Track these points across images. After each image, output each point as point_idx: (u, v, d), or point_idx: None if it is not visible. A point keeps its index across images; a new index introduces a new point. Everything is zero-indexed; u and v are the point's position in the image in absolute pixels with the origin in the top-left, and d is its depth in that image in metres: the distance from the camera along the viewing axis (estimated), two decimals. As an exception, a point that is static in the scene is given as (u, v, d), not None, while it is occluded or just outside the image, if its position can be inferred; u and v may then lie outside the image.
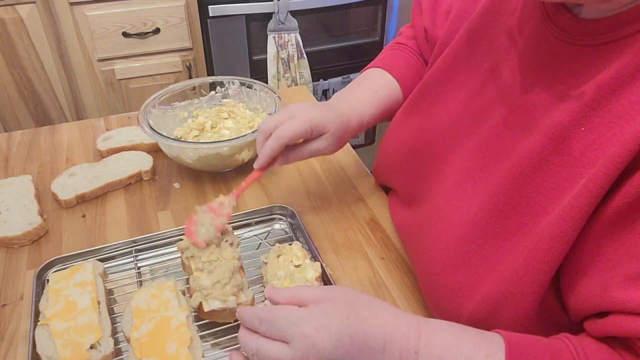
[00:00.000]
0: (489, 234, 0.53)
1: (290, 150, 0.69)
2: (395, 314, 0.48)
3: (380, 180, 0.85)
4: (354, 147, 1.11)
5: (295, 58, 1.77)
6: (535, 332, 0.50)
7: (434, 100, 0.68)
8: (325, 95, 1.95)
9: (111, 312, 0.65)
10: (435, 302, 0.61)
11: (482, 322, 0.53)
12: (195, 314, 0.64)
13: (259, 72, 1.78)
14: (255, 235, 0.78)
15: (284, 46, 1.75)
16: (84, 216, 0.82)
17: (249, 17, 1.71)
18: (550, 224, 0.47)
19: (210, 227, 0.66)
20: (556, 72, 0.51)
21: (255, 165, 0.68)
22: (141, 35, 1.82)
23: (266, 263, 0.68)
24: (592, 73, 0.47)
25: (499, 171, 0.54)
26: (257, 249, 0.76)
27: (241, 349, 0.49)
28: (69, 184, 0.85)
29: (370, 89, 0.78)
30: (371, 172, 0.90)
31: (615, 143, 0.43)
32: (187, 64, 1.92)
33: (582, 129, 0.46)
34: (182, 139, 0.90)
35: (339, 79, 1.92)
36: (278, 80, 1.79)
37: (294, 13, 1.73)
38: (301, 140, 0.69)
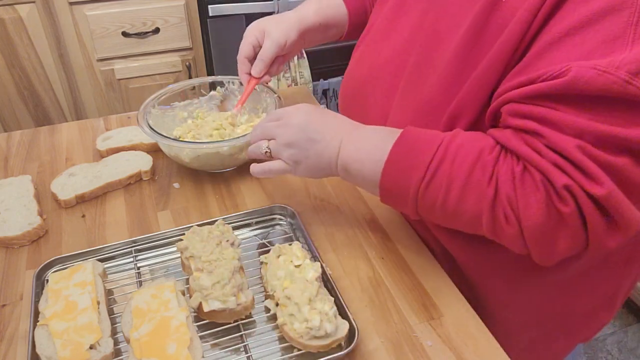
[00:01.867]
0: (444, 106, 0.63)
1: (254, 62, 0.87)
2: (341, 120, 0.69)
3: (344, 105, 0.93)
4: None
5: (295, 58, 1.77)
6: None
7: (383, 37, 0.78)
8: (325, 95, 1.95)
9: (111, 312, 0.65)
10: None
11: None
12: (195, 314, 0.64)
13: (258, 72, 1.78)
14: (255, 235, 0.78)
15: (283, 46, 1.74)
16: (83, 216, 0.82)
17: (249, 17, 1.71)
18: (481, 74, 0.59)
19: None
20: None
21: (254, 72, 0.87)
22: (141, 35, 1.82)
23: (266, 263, 0.68)
24: None
25: (442, 59, 0.64)
26: (257, 249, 0.76)
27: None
28: (69, 184, 0.85)
29: (315, 1, 0.93)
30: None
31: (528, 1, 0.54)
32: (187, 63, 1.92)
33: (503, 1, 0.57)
34: (181, 139, 0.90)
35: (339, 78, 1.93)
36: (278, 80, 1.79)
37: (294, 13, 1.73)
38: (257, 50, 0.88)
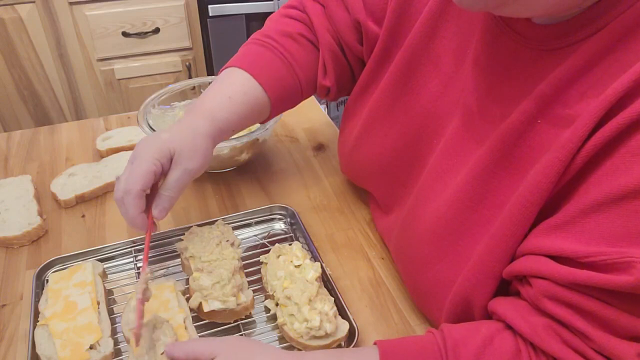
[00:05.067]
0: (460, 229, 0.55)
1: (156, 197, 0.61)
2: (277, 356, 0.52)
3: (352, 180, 0.84)
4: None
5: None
6: None
7: (396, 108, 0.66)
8: (325, 95, 1.95)
9: (111, 312, 0.65)
10: (419, 300, 0.64)
11: (462, 313, 0.55)
12: (195, 314, 0.64)
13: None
14: (255, 235, 0.78)
15: (283, 46, 1.74)
16: (83, 216, 0.82)
17: (249, 17, 1.71)
18: (511, 210, 0.48)
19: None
20: (517, 75, 0.52)
21: (158, 214, 0.61)
22: (141, 35, 1.82)
23: (266, 263, 0.68)
24: (547, 73, 0.48)
25: (465, 168, 0.55)
26: (257, 249, 0.76)
27: None
28: (69, 184, 0.85)
29: (224, 94, 0.69)
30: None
31: (567, 131, 0.45)
32: (187, 63, 1.92)
33: (539, 121, 0.48)
34: None
35: (339, 78, 1.92)
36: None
37: (294, 13, 1.73)
38: (156, 180, 0.61)
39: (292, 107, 0.80)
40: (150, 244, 0.74)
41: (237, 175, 0.90)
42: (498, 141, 0.51)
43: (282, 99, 0.74)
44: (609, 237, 0.41)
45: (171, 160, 0.62)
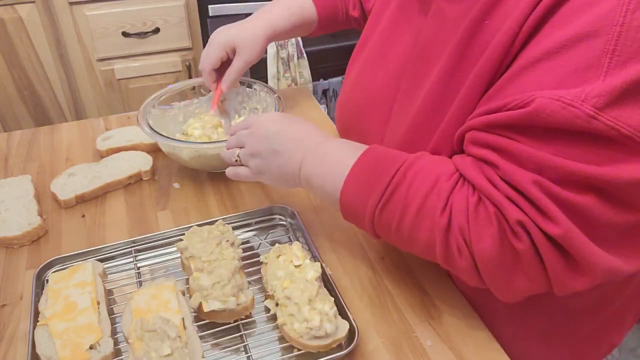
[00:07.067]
0: (427, 128, 0.62)
1: (224, 75, 0.92)
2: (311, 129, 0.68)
3: (346, 127, 0.90)
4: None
5: (295, 57, 1.77)
6: None
7: (385, 50, 0.76)
8: (325, 95, 1.95)
9: (111, 312, 0.65)
10: None
11: None
12: (195, 314, 0.64)
13: (258, 71, 1.78)
14: (255, 235, 0.78)
15: (283, 46, 1.74)
16: (83, 216, 0.82)
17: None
18: (464, 92, 0.57)
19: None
20: None
21: (224, 87, 0.92)
22: (141, 35, 1.82)
23: (266, 263, 0.68)
24: None
25: (428, 82, 0.62)
26: (257, 249, 0.76)
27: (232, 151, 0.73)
28: (69, 184, 0.85)
29: (285, 5, 0.94)
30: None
31: (506, 22, 0.52)
32: (187, 63, 1.92)
33: (486, 22, 0.55)
34: (186, 134, 0.90)
35: (339, 78, 1.92)
36: (278, 80, 1.79)
37: (294, 13, 1.73)
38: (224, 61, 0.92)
39: (333, 31, 1.02)
40: (150, 244, 0.74)
41: (237, 175, 0.90)
42: (453, 50, 0.58)
43: (327, 20, 0.98)
44: (521, 91, 0.49)
45: (234, 51, 0.90)
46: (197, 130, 0.89)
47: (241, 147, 0.71)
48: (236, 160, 0.71)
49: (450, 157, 0.59)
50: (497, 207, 0.51)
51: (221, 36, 0.90)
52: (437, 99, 0.61)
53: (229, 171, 0.73)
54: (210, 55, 0.90)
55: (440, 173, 0.55)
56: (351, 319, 0.61)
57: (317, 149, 0.65)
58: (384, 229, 0.59)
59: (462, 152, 0.58)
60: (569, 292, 0.52)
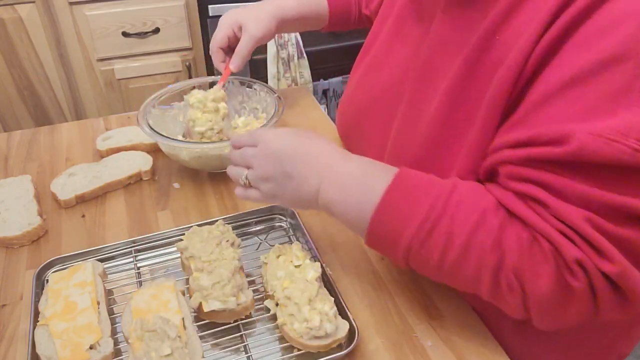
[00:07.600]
0: (441, 145, 0.61)
1: (233, 54, 0.91)
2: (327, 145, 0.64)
3: (347, 130, 0.89)
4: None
5: (296, 58, 1.77)
6: None
7: (383, 61, 0.76)
8: (325, 95, 1.95)
9: (111, 312, 0.65)
10: None
11: None
12: (195, 314, 0.64)
13: (258, 71, 1.78)
14: (255, 235, 0.78)
15: (284, 46, 1.75)
16: (83, 216, 0.82)
17: (249, 17, 1.71)
18: (481, 116, 0.55)
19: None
20: (474, 4, 0.58)
21: (233, 67, 0.91)
22: (141, 35, 1.83)
23: (266, 263, 0.68)
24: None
25: (437, 94, 0.61)
26: (257, 249, 0.76)
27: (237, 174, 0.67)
28: (69, 184, 0.85)
29: None
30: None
31: (521, 38, 0.51)
32: (187, 63, 1.92)
33: (497, 37, 0.54)
34: (192, 131, 0.90)
35: (339, 78, 1.92)
36: (278, 80, 1.79)
37: (294, 13, 1.73)
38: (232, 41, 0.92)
39: (344, 29, 1.02)
40: (150, 244, 0.74)
41: (237, 175, 0.90)
42: (463, 63, 0.57)
43: (339, 15, 0.97)
44: (553, 121, 0.48)
45: (241, 29, 0.90)
46: (199, 106, 0.88)
47: (248, 167, 0.65)
48: (244, 184, 0.66)
49: (476, 181, 0.57)
50: (553, 245, 0.49)
51: (228, 16, 0.91)
52: (447, 112, 0.59)
53: (239, 192, 0.67)
54: (217, 35, 0.91)
55: (485, 206, 0.53)
56: (351, 319, 0.61)
57: (336, 172, 0.60)
58: (420, 262, 0.56)
59: (487, 180, 0.56)
60: (609, 320, 0.52)
